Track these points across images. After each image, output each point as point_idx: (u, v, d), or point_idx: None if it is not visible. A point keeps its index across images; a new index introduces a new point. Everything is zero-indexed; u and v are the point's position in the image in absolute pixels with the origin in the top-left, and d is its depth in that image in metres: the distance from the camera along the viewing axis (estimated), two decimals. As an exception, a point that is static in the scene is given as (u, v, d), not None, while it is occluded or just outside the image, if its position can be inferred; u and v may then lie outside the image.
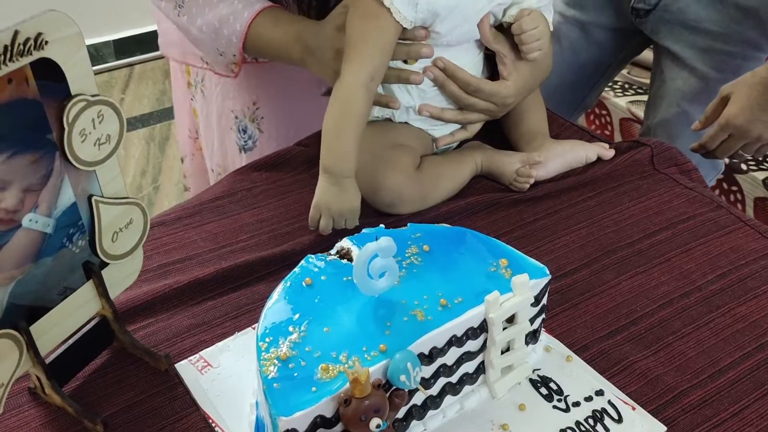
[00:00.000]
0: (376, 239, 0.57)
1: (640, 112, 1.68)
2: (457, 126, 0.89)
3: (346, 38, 0.79)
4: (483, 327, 0.62)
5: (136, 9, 2.52)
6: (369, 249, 0.57)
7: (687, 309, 0.75)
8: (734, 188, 1.55)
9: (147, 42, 2.56)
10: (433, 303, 0.60)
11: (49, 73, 0.53)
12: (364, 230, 0.68)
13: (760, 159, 1.56)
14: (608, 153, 0.92)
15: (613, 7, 1.19)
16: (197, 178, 1.30)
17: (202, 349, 0.69)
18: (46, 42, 0.51)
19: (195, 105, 1.19)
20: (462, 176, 0.88)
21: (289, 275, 0.63)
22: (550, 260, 0.80)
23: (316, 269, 0.64)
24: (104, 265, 0.65)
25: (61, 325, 0.63)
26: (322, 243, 0.80)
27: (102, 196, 0.61)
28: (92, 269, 0.63)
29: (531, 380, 0.67)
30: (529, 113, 0.93)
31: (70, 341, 0.65)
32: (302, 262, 0.65)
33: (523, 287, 0.62)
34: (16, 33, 0.49)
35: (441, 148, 0.90)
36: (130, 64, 2.64)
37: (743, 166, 1.56)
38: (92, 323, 0.66)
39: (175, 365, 0.68)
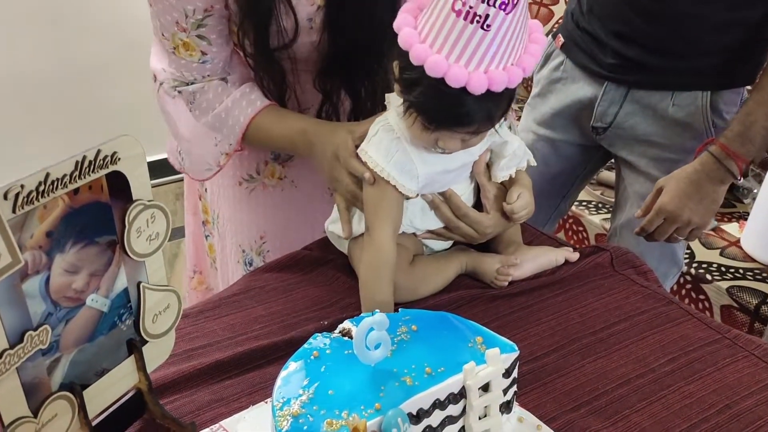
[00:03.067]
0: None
1: (612, 227, 1.85)
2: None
3: (364, 200, 0.94)
4: (462, 393, 0.73)
5: (149, 139, 2.73)
6: (366, 323, 0.70)
7: (642, 387, 0.87)
8: (701, 296, 1.69)
9: (160, 167, 2.75)
10: (420, 371, 0.72)
11: (118, 183, 0.68)
12: (362, 315, 0.81)
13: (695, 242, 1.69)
14: (573, 256, 1.07)
15: (576, 127, 1.39)
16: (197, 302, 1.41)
17: (221, 420, 0.80)
18: (119, 159, 0.67)
19: (212, 241, 1.32)
20: (449, 273, 1.01)
21: (299, 349, 0.76)
22: (523, 346, 0.92)
23: (323, 345, 0.76)
24: (144, 342, 0.77)
25: (105, 394, 0.74)
26: (325, 330, 0.93)
27: (148, 283, 0.75)
28: (135, 345, 0.75)
29: (506, 446, 0.77)
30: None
31: (110, 409, 0.76)
32: (310, 339, 0.77)
33: (496, 359, 0.74)
34: (98, 152, 0.65)
35: (432, 250, 1.04)
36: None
37: (708, 276, 1.70)
38: (129, 395, 0.78)
39: (198, 433, 0.78)
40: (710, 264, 1.73)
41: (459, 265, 1.03)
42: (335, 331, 0.79)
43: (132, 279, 0.73)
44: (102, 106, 2.72)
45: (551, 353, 0.92)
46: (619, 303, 1.02)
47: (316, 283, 1.04)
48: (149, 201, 0.72)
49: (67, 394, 0.69)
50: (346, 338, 0.77)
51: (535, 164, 1.02)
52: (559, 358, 0.91)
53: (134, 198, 0.70)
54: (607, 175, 2.02)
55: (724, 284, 1.65)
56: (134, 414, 0.79)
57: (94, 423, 0.73)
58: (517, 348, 0.77)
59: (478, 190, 1.02)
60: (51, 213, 0.63)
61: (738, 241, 1.81)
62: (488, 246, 1.09)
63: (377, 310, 0.78)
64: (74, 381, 0.70)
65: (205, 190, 1.29)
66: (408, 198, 0.94)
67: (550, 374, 0.88)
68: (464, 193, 0.99)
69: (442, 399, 0.72)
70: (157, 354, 0.79)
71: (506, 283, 1.02)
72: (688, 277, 1.72)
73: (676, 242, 1.29)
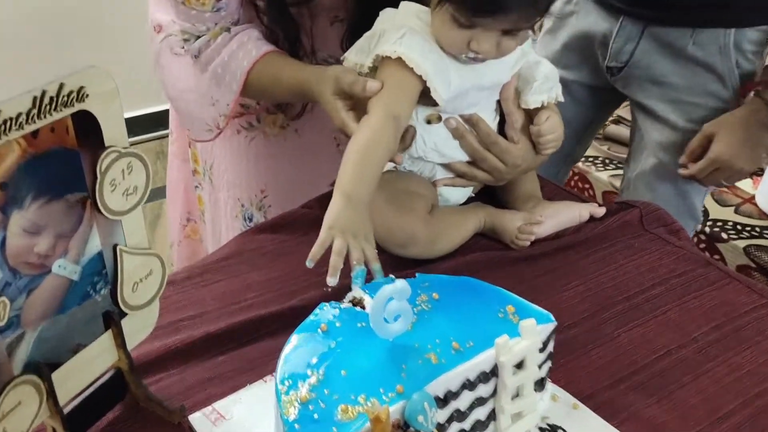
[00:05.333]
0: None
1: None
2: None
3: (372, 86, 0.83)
4: (494, 371, 0.63)
5: (129, 94, 2.59)
6: (385, 292, 0.59)
7: (685, 359, 0.78)
8: (716, 257, 1.61)
9: (140, 124, 2.62)
10: (445, 347, 0.62)
11: (87, 125, 0.56)
12: (375, 280, 0.71)
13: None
14: (599, 211, 0.97)
15: (589, 65, 1.28)
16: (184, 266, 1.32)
17: (214, 402, 0.70)
18: (87, 95, 0.55)
19: (201, 192, 1.22)
20: (467, 229, 0.91)
21: (304, 322, 0.65)
22: (551, 313, 0.83)
23: (331, 316, 0.66)
24: (123, 315, 0.66)
25: (78, 375, 0.64)
26: (330, 298, 0.83)
27: (126, 246, 0.64)
28: (113, 318, 0.65)
29: (540, 428, 0.68)
30: (524, 178, 0.97)
31: (85, 393, 0.65)
32: (316, 310, 0.67)
33: (532, 331, 0.64)
34: (61, 86, 0.53)
35: (448, 202, 0.94)
36: (122, 145, 2.69)
37: (723, 235, 1.62)
38: (107, 375, 0.67)
39: (188, 417, 0.68)
40: (725, 222, 1.64)
41: (477, 221, 0.93)
42: (344, 300, 0.69)
43: (107, 241, 0.62)
44: (80, 51, 2.56)
45: (583, 322, 0.83)
46: (652, 265, 0.92)
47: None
48: (125, 148, 0.60)
49: (33, 377, 0.58)
50: (357, 308, 0.67)
51: (563, 100, 0.92)
52: (592, 327, 0.82)
53: (107, 144, 0.59)
54: (615, 129, 1.92)
55: (741, 243, 1.57)
56: (114, 397, 0.68)
57: (66, 410, 0.63)
58: (553, 318, 0.67)
59: (501, 126, 0.92)
60: (4, 160, 0.52)
61: (752, 197, 1.73)
62: (504, 202, 0.99)
63: (361, 193, 0.74)
64: (41, 361, 0.59)
65: None
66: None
67: (584, 345, 0.79)
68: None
69: (472, 379, 0.62)
70: (138, 328, 0.68)
71: (528, 243, 0.92)
72: (702, 236, 1.63)
73: (720, 186, 1.22)
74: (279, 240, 0.95)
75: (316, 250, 0.72)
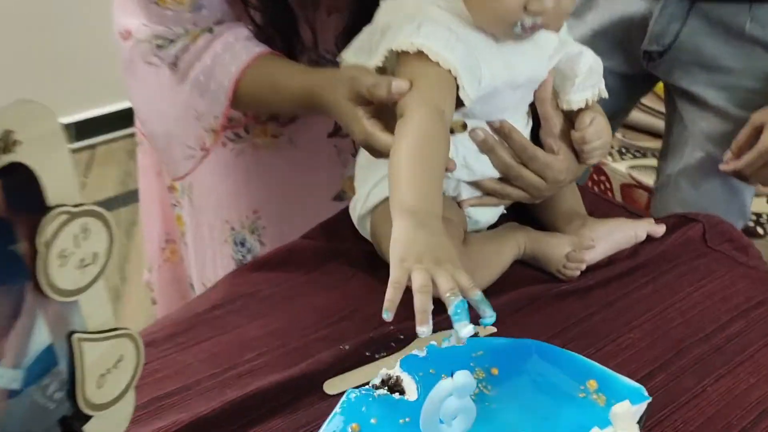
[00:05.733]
0: (448, 375, 0.45)
1: (642, 176, 1.61)
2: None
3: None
4: (582, 475, 0.49)
5: (98, 88, 2.40)
6: (443, 389, 0.44)
7: (789, 420, 0.63)
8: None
9: (110, 121, 2.43)
10: (520, 451, 0.47)
11: (21, 181, 0.40)
12: (412, 352, 0.55)
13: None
14: (659, 230, 0.82)
15: (621, 51, 1.12)
16: (168, 292, 1.16)
17: None
18: (17, 142, 0.39)
19: (180, 212, 1.06)
20: (505, 259, 0.76)
21: (330, 419, 0.50)
22: (617, 365, 0.68)
23: (363, 408, 0.50)
24: (86, 418, 0.50)
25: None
26: (347, 359, 0.67)
27: (86, 332, 0.47)
28: (71, 426, 0.48)
29: None
30: (564, 191, 0.82)
31: None
32: (343, 399, 0.51)
33: (628, 420, 0.49)
34: (-27, 132, 0.36)
35: (477, 224, 0.79)
36: (92, 146, 2.50)
37: (759, 230, 1.49)
38: (71, 492, 0.51)
39: None
40: (759, 215, 1.51)
41: (516, 248, 0.77)
42: (376, 382, 0.53)
43: (58, 330, 0.46)
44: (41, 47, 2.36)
45: (657, 373, 0.68)
46: (725, 292, 0.78)
47: (323, 286, 0.78)
48: (77, 206, 0.43)
49: None
50: (395, 395, 0.52)
51: (607, 96, 0.77)
52: (669, 380, 0.67)
53: (51, 204, 0.42)
54: (631, 114, 1.77)
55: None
56: None
57: None
58: (646, 393, 0.52)
59: (534, 132, 0.77)
60: None
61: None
62: (543, 221, 0.84)
63: (430, 206, 0.56)
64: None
65: None
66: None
67: (665, 406, 0.64)
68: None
69: (556, 490, 0.47)
70: (108, 430, 0.52)
71: (578, 273, 0.77)
72: (734, 232, 1.50)
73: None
74: (278, 280, 0.79)
75: (392, 295, 0.53)
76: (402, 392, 0.51)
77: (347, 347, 0.68)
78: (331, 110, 0.72)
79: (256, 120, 0.93)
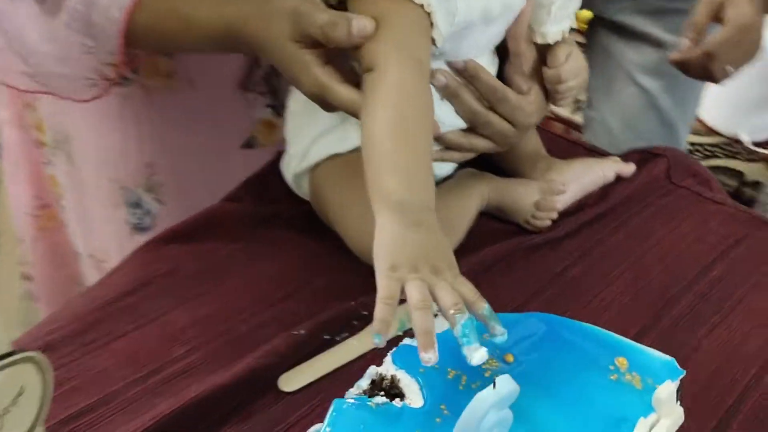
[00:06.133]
0: (457, 370, 0.34)
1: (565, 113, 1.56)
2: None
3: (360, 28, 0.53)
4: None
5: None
6: (484, 403, 0.34)
7: (792, 368, 0.58)
8: None
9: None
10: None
11: None
12: (404, 342, 0.44)
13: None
14: (628, 169, 0.75)
15: None
16: (49, 267, 0.98)
17: None
18: None
19: (53, 171, 0.88)
20: (470, 214, 0.66)
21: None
22: (606, 322, 0.60)
23: (360, 424, 0.39)
24: (-21, 481, 0.36)
25: None
26: (302, 347, 0.56)
27: (-34, 370, 0.33)
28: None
29: None
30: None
31: None
32: (331, 411, 0.40)
33: (672, 405, 0.41)
34: None
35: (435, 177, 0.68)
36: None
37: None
38: None
39: None
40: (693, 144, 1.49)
41: (480, 200, 0.68)
42: (362, 385, 0.42)
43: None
44: None
45: (649, 330, 0.61)
46: (698, 232, 0.72)
47: (258, 258, 0.65)
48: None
49: None
50: (396, 401, 0.41)
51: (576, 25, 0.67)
52: (663, 336, 0.60)
53: None
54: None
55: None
56: None
57: None
58: (678, 365, 0.45)
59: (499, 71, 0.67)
60: None
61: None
62: (502, 166, 0.74)
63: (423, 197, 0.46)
64: None
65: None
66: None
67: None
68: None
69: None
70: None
71: (549, 223, 0.69)
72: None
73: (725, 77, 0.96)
74: (201, 253, 0.65)
75: (383, 314, 0.42)
76: (402, 396, 0.41)
77: (302, 332, 0.56)
78: (265, 52, 0.57)
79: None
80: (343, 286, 0.62)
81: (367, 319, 0.59)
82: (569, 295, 0.64)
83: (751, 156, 1.49)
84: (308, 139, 0.64)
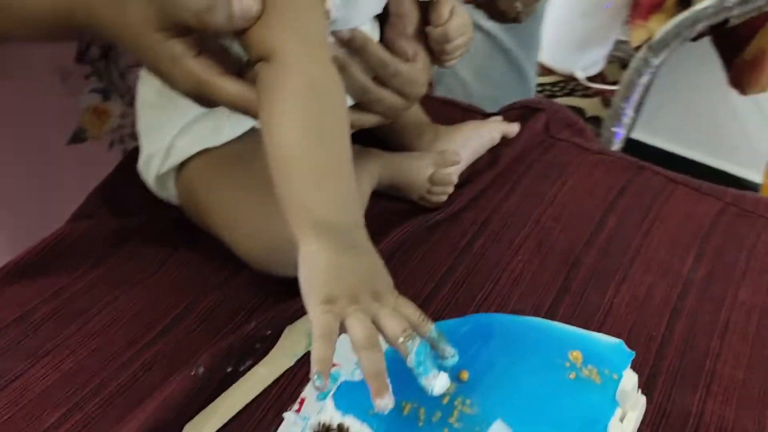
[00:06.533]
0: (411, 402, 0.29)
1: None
2: None
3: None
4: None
5: None
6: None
7: (697, 315, 0.59)
8: None
9: None
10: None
11: None
12: (344, 380, 0.38)
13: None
14: (514, 129, 0.72)
15: None
16: None
17: None
18: None
19: None
20: (363, 197, 0.60)
21: None
22: (519, 297, 0.58)
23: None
24: None
25: None
26: (204, 387, 0.48)
27: None
28: None
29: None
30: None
31: None
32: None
33: (636, 396, 0.39)
34: None
35: None
36: None
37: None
38: None
39: None
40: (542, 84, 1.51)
41: (371, 180, 0.62)
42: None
43: None
44: None
45: (562, 296, 0.59)
46: (586, 186, 0.71)
47: (127, 284, 0.55)
48: None
49: None
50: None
51: None
52: (575, 300, 0.59)
53: None
54: None
55: None
56: None
57: None
58: (626, 347, 0.43)
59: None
60: None
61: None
62: (384, 137, 0.68)
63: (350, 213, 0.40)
64: None
65: None
66: None
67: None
68: None
69: None
70: None
71: (446, 197, 0.64)
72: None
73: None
74: (54, 290, 0.54)
75: (322, 353, 0.36)
76: (352, 443, 0.35)
77: (199, 370, 0.48)
78: (123, 44, 0.46)
79: None
80: (236, 304, 0.54)
81: (272, 340, 0.52)
82: (479, 270, 0.61)
83: (587, 92, 1.55)
84: (170, 133, 0.54)
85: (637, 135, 1.53)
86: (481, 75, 1.04)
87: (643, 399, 0.40)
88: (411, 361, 0.35)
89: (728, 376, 0.53)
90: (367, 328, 0.36)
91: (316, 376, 0.35)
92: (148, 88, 0.56)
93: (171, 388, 0.46)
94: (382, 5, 0.56)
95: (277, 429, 0.46)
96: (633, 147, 1.36)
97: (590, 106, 1.53)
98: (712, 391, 0.52)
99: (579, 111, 1.49)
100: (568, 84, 1.55)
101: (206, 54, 0.45)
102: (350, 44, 0.53)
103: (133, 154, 0.61)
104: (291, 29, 0.43)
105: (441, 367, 0.37)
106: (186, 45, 0.44)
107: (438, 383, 0.35)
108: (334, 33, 0.53)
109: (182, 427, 0.46)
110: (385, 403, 0.34)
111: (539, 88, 1.53)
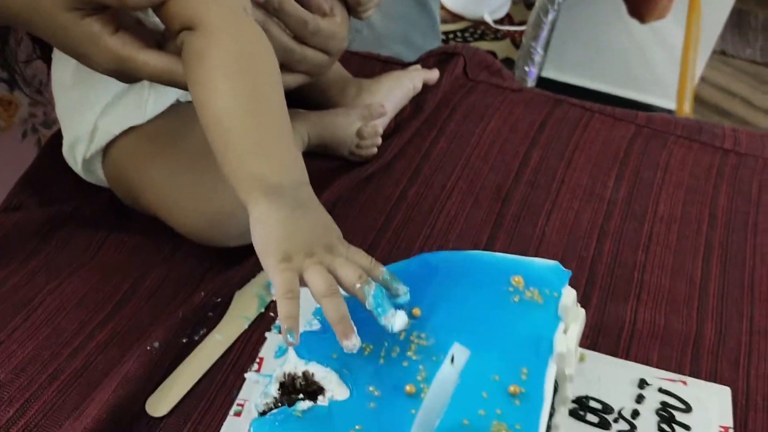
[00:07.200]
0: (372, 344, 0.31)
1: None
2: None
3: None
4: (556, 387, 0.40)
5: None
6: (450, 383, 0.31)
7: (622, 232, 0.63)
8: None
9: None
10: (500, 398, 0.37)
11: None
12: (306, 330, 0.39)
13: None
14: (433, 76, 0.73)
15: None
16: None
17: None
18: None
19: None
20: None
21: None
22: (457, 237, 0.61)
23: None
24: None
25: None
26: (161, 360, 0.48)
27: None
28: None
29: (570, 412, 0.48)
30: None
31: None
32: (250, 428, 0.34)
33: (575, 310, 0.42)
34: None
35: None
36: None
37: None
38: None
39: None
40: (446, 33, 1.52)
41: (301, 141, 0.62)
42: (271, 389, 0.37)
43: None
44: None
45: (497, 233, 0.62)
46: (508, 123, 0.74)
47: (66, 270, 0.54)
48: None
49: None
50: (318, 400, 0.36)
51: None
52: (511, 234, 0.62)
53: None
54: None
55: None
56: None
57: None
58: (562, 266, 0.45)
59: None
60: None
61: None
62: (308, 97, 0.68)
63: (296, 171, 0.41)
64: None
65: None
66: None
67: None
68: None
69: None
70: None
71: (375, 150, 0.66)
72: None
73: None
74: (-6, 284, 0.52)
75: (289, 310, 0.37)
76: (322, 392, 0.36)
77: (155, 344, 0.48)
78: (36, 28, 0.44)
79: None
80: (182, 277, 0.54)
81: (223, 307, 0.53)
82: (416, 218, 0.62)
83: (496, 35, 1.57)
84: (92, 114, 0.53)
85: (549, 74, 1.57)
86: (388, 15, 1.03)
87: (582, 312, 0.43)
88: (370, 304, 0.37)
89: (655, 284, 0.58)
90: (325, 277, 0.38)
91: (288, 334, 0.36)
92: (62, 70, 0.54)
93: (129, 365, 0.47)
94: None
95: (239, 390, 0.47)
96: (546, 86, 1.40)
97: (501, 48, 1.56)
98: (642, 299, 0.56)
99: (492, 54, 1.52)
100: (478, 29, 1.57)
101: (123, 29, 0.44)
102: (267, 6, 0.52)
103: (54, 140, 0.59)
104: None
105: (396, 306, 0.39)
106: (102, 22, 0.43)
107: (397, 320, 0.37)
108: None
109: (144, 402, 0.46)
110: (353, 343, 0.36)
111: (451, 35, 1.55)
